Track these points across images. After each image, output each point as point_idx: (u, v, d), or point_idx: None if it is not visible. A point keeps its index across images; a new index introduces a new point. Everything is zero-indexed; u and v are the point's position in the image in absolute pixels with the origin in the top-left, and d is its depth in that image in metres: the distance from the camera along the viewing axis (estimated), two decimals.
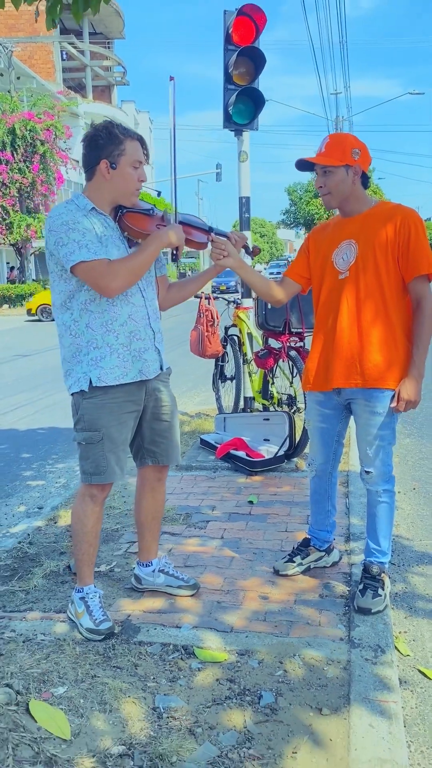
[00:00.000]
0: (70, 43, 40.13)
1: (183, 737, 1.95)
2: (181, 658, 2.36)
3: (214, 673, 2.28)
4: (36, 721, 1.96)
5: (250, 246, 2.89)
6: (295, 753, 1.90)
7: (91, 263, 2.28)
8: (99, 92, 46.43)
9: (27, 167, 25.84)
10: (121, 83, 49.28)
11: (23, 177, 25.70)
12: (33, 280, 29.43)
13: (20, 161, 25.69)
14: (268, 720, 2.04)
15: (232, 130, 5.16)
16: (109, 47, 45.56)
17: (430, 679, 2.41)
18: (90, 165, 2.40)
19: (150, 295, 2.56)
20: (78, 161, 29.59)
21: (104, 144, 2.37)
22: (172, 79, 2.41)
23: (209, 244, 2.64)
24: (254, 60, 4.93)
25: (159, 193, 2.83)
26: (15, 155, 25.47)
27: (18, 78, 29.95)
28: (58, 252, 2.32)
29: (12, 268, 31.65)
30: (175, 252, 2.47)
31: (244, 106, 5.01)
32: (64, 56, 41.55)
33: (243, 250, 2.78)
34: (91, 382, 2.42)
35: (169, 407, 2.66)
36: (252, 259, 2.91)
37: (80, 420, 2.49)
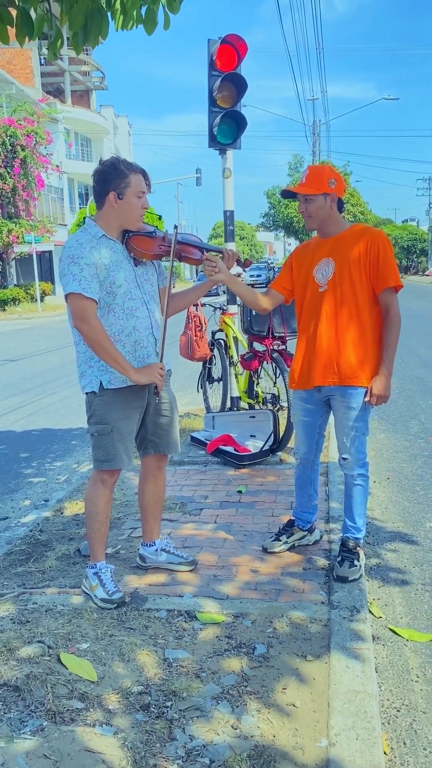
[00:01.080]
0: (48, 49, 40.27)
1: (191, 680, 2.32)
2: (185, 621, 2.73)
3: (213, 631, 2.65)
4: (67, 668, 2.32)
5: (242, 259, 3.26)
6: (285, 689, 2.28)
7: (78, 297, 2.67)
8: (77, 97, 46.63)
9: (8, 173, 26.03)
10: (100, 88, 49.53)
11: (4, 183, 25.90)
12: (14, 285, 29.59)
13: (1, 167, 25.88)
14: (262, 666, 2.42)
15: (216, 149, 5.55)
16: (87, 52, 45.76)
17: (399, 635, 2.81)
18: (100, 196, 2.78)
19: (153, 307, 2.94)
20: (59, 165, 29.55)
21: (111, 178, 2.75)
22: (176, 227, 2.87)
23: (203, 261, 3.01)
24: (236, 85, 5.32)
25: (160, 217, 3.21)
26: None
27: None
28: (61, 279, 2.74)
29: None
30: (155, 388, 2.85)
31: (228, 127, 5.40)
32: (43, 61, 41.72)
33: (235, 263, 3.17)
34: (102, 384, 2.80)
35: (169, 404, 3.04)
36: (244, 270, 3.30)
37: (93, 415, 2.87)
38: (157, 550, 3.20)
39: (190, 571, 3.17)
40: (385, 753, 2.10)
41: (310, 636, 2.62)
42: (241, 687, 2.29)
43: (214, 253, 3.00)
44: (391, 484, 4.72)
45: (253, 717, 2.13)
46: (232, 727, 2.08)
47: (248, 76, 5.41)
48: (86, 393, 2.87)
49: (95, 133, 42.64)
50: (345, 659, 2.43)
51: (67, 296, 2.71)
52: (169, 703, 2.18)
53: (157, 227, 2.95)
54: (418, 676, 2.54)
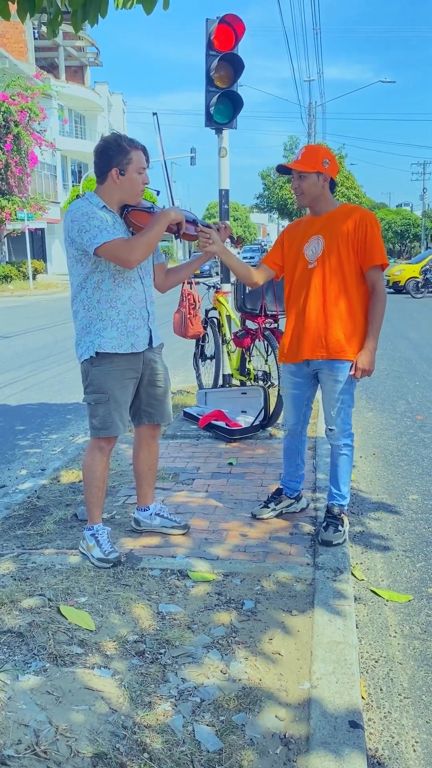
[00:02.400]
0: (42, 23, 39.69)
1: (183, 630, 2.48)
2: (178, 579, 2.89)
3: (205, 588, 2.81)
4: (66, 618, 2.47)
5: (235, 236, 3.37)
6: (271, 640, 2.44)
7: (112, 242, 2.77)
8: (72, 73, 46.06)
9: (0, 149, 25.81)
10: (95, 64, 48.91)
11: None
12: (7, 262, 29.48)
13: None
14: (250, 619, 2.58)
15: (213, 129, 5.63)
16: (83, 28, 45.20)
17: (379, 595, 2.98)
18: (102, 172, 2.88)
19: (148, 282, 3.06)
20: (53, 141, 29.28)
21: (114, 154, 2.85)
22: (155, 114, 2.92)
23: (198, 233, 3.12)
24: (233, 65, 5.40)
25: (158, 193, 3.31)
26: None
27: None
28: (81, 238, 2.79)
29: None
30: (177, 231, 2.95)
31: (224, 106, 5.49)
32: (37, 35, 41.17)
33: (228, 240, 3.27)
34: (95, 349, 2.92)
35: (162, 375, 3.17)
36: (236, 248, 3.41)
37: (90, 384, 3.00)
38: (151, 515, 3.35)
39: (183, 534, 3.32)
40: (362, 697, 2.27)
41: (296, 594, 2.78)
42: (230, 638, 2.45)
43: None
44: (377, 459, 4.88)
45: (241, 663, 2.29)
46: (221, 672, 2.24)
47: (244, 55, 5.48)
48: (82, 362, 2.99)
49: (89, 110, 42.27)
50: (328, 614, 2.59)
51: (98, 250, 2.76)
52: (162, 650, 2.34)
53: (154, 204, 3.05)
54: (396, 632, 2.71)
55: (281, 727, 2.00)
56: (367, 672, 2.46)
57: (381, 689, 2.36)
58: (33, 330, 13.64)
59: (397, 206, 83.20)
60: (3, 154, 25.79)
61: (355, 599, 2.90)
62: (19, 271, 28.25)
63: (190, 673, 2.23)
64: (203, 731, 1.95)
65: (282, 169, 3.15)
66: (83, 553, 3.10)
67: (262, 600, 2.72)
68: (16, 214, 26.42)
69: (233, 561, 3.04)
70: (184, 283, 5.69)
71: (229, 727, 1.97)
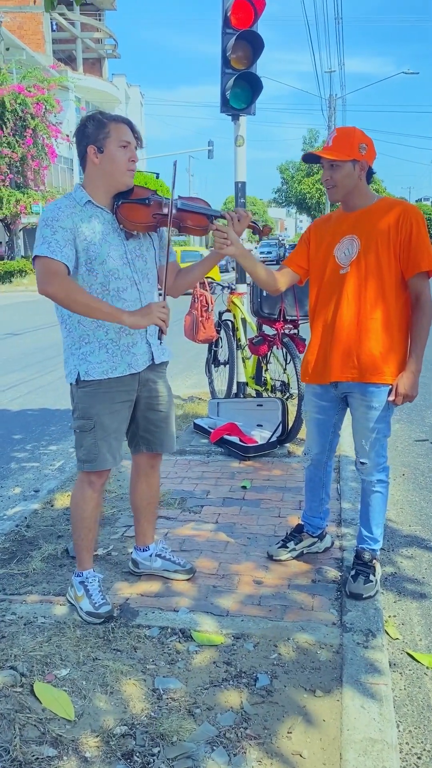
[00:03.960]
0: (60, 14, 39.38)
1: (182, 717, 2.03)
2: (179, 641, 2.44)
3: (211, 655, 2.35)
4: (41, 703, 2.03)
5: (260, 225, 2.83)
6: (290, 733, 1.99)
7: (43, 260, 2.30)
8: (89, 65, 45.66)
9: (17, 141, 25.46)
10: (112, 56, 48.47)
11: (13, 151, 25.33)
12: (21, 256, 29.16)
13: (9, 135, 25.30)
14: (264, 701, 2.12)
15: (229, 115, 5.15)
16: (100, 19, 44.77)
17: (417, 661, 2.51)
18: (82, 156, 2.43)
19: (146, 287, 2.57)
20: (69, 134, 29.08)
21: (90, 131, 2.40)
22: (175, 164, 2.44)
23: (213, 231, 2.62)
24: (252, 44, 4.90)
25: (157, 175, 2.83)
26: (4, 129, 25.06)
27: (7, 49, 29.43)
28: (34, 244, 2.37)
29: (0, 244, 31.33)
30: (160, 332, 2.47)
31: (242, 90, 4.99)
32: (54, 27, 40.79)
33: (250, 231, 2.76)
34: (79, 375, 2.47)
35: (163, 398, 2.71)
36: (262, 238, 2.86)
37: (76, 408, 2.56)
38: (151, 556, 2.90)
39: (187, 579, 2.87)
40: None
41: (320, 665, 2.31)
42: (239, 729, 2.00)
43: (224, 222, 2.60)
44: (407, 482, 4.39)
45: None
46: None
47: (265, 45, 4.96)
48: (70, 384, 2.54)
49: (107, 103, 41.81)
50: (359, 697, 2.12)
51: (34, 261, 2.34)
52: (156, 750, 1.89)
53: (155, 191, 2.55)
54: None
55: None
56: None
57: None
58: (44, 327, 13.23)
59: (417, 201, 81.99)
60: (19, 147, 25.45)
61: (390, 666, 2.43)
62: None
63: None
64: None
65: (310, 158, 2.65)
66: (71, 603, 2.66)
67: (279, 673, 2.26)
68: (31, 208, 26.08)
69: (245, 618, 2.58)
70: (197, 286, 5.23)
71: None
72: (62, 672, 2.21)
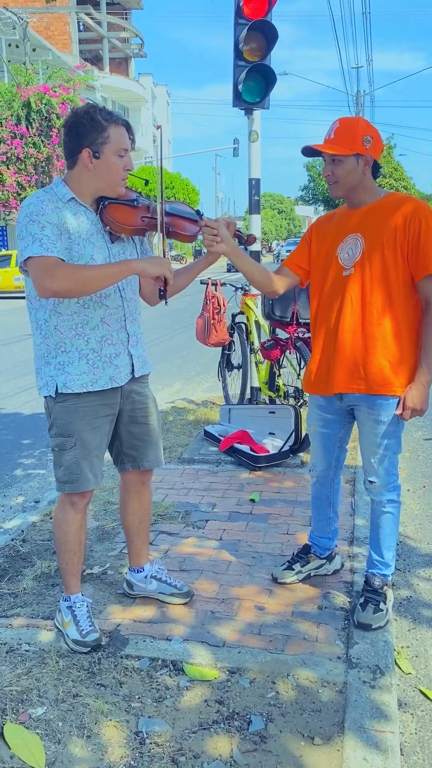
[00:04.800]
0: (86, 14, 39.49)
1: (165, 767, 1.84)
2: (169, 675, 2.25)
3: (202, 692, 2.16)
4: (9, 748, 1.86)
5: (244, 234, 2.66)
6: None
7: (38, 259, 2.11)
8: (116, 64, 45.73)
9: (42, 142, 25.52)
10: (139, 55, 48.48)
11: (38, 152, 25.39)
12: None
13: (35, 135, 25.37)
14: (257, 749, 1.93)
15: (241, 109, 4.94)
16: (126, 18, 44.82)
17: (431, 700, 2.29)
18: (71, 153, 2.24)
19: (129, 294, 2.40)
20: None
21: (86, 132, 2.20)
22: (159, 127, 2.25)
23: (199, 234, 2.44)
24: (266, 35, 4.69)
25: (147, 182, 2.65)
26: (30, 130, 25.14)
27: (34, 50, 29.55)
28: (18, 245, 2.18)
29: None
30: (162, 290, 2.27)
31: (255, 83, 4.79)
32: (81, 27, 40.92)
33: (236, 241, 2.58)
34: (57, 388, 2.29)
35: (147, 409, 2.52)
36: (246, 249, 2.65)
37: (53, 425, 2.37)
38: (146, 577, 2.72)
39: (184, 604, 2.68)
40: None
41: (321, 706, 2.11)
42: None
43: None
44: (428, 494, 4.15)
45: None
46: None
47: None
48: (44, 397, 2.37)
49: (133, 102, 41.86)
50: (362, 747, 1.91)
51: (26, 262, 2.15)
52: None
53: (141, 193, 2.37)
54: None
55: None
56: None
57: None
58: None
59: None
60: (45, 147, 25.50)
61: (399, 705, 2.22)
62: None
63: None
64: None
65: (309, 152, 2.42)
66: (58, 629, 2.49)
67: (275, 716, 2.06)
68: None
69: (243, 650, 2.38)
70: (208, 284, 5.04)
71: None
72: (38, 711, 2.03)
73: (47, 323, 2.27)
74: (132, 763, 1.86)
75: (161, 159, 2.29)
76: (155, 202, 2.32)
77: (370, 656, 2.34)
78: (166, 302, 2.33)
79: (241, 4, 4.65)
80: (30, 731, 1.93)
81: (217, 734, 1.98)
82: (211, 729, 2.01)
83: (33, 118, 25.28)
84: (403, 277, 2.32)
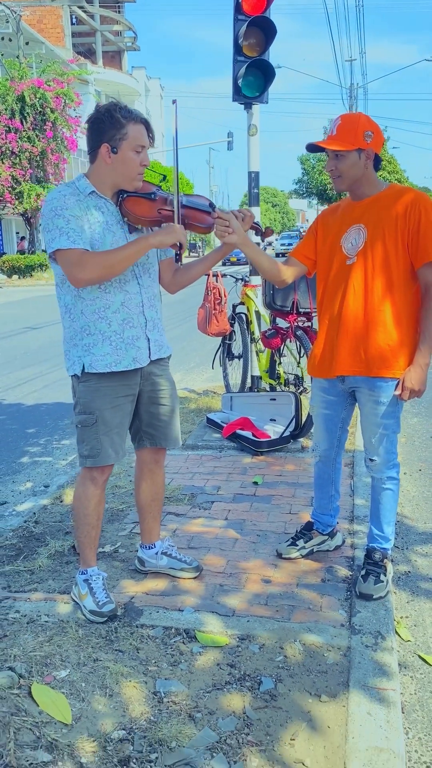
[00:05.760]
0: (79, 7, 39.38)
1: (183, 722, 1.98)
2: (183, 642, 2.38)
3: (215, 657, 2.30)
4: (38, 705, 1.99)
5: (262, 226, 2.78)
6: (293, 740, 1.92)
7: (66, 251, 2.27)
8: (109, 58, 45.64)
9: (36, 136, 25.50)
10: (132, 49, 48.41)
11: (33, 146, 25.38)
12: (42, 250, 29.25)
13: (29, 129, 25.35)
14: (267, 706, 2.06)
15: (241, 103, 5.06)
16: (119, 11, 44.70)
17: (430, 665, 2.43)
18: (92, 148, 2.37)
19: (146, 281, 2.53)
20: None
21: (106, 128, 2.32)
22: (174, 102, 2.36)
23: (215, 219, 2.56)
24: (265, 30, 4.80)
25: (164, 177, 2.76)
26: (24, 124, 25.11)
27: (27, 43, 29.48)
28: (44, 237, 2.32)
29: (22, 239, 31.49)
30: (178, 253, 2.42)
31: (254, 78, 4.90)
32: (74, 20, 40.80)
33: (253, 232, 2.70)
34: (84, 367, 2.42)
35: (166, 391, 2.66)
36: (263, 240, 2.79)
37: (78, 403, 2.52)
38: (157, 554, 2.85)
39: (194, 578, 2.81)
40: None
41: (327, 668, 2.24)
42: (241, 735, 1.93)
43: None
44: (424, 476, 4.29)
45: None
46: None
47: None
48: (71, 376, 2.51)
49: (126, 96, 41.78)
50: (366, 703, 2.05)
51: (54, 255, 2.30)
52: (153, 756, 1.84)
53: (159, 186, 2.50)
54: None
55: None
56: None
57: None
58: None
59: None
60: (39, 141, 25.48)
61: (400, 668, 2.36)
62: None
63: None
64: None
65: (314, 148, 2.54)
66: (75, 601, 2.62)
67: (284, 677, 2.19)
68: None
69: (251, 618, 2.51)
70: (209, 275, 5.16)
71: None
72: (62, 673, 2.16)
73: (74, 307, 2.41)
74: (152, 718, 1.99)
75: (176, 138, 2.39)
76: (172, 195, 2.43)
77: (371, 623, 2.47)
78: (180, 264, 2.49)
79: (240, 1, 4.75)
80: (55, 691, 2.06)
81: (230, 693, 2.12)
82: (224, 689, 2.14)
83: (27, 113, 25.26)
84: (403, 265, 2.44)
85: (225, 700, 2.09)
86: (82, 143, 31.05)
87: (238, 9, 4.78)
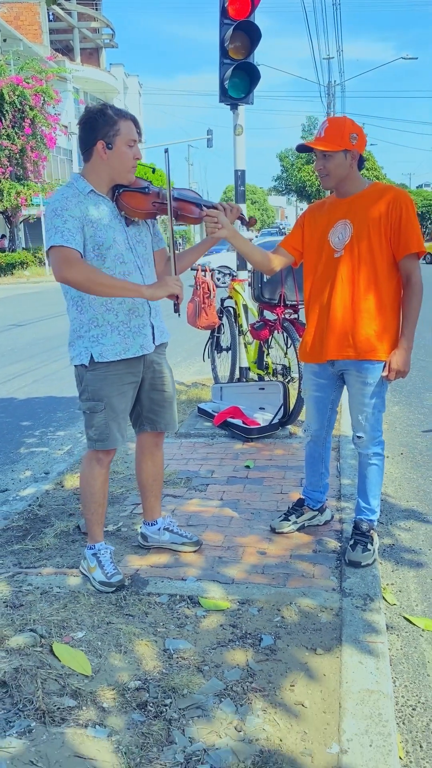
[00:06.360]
0: (57, 4, 39.21)
1: (192, 674, 2.17)
2: (188, 607, 2.58)
3: (217, 619, 2.50)
4: (60, 661, 2.17)
5: (246, 217, 2.99)
6: (293, 686, 2.13)
7: (59, 248, 2.42)
8: (87, 55, 45.47)
9: (16, 133, 25.45)
10: (110, 46, 48.26)
11: (12, 143, 25.33)
12: (23, 248, 29.22)
13: (8, 127, 25.29)
14: (268, 659, 2.27)
15: (227, 104, 5.24)
16: (96, 8, 44.54)
17: (414, 624, 2.65)
18: (87, 146, 2.54)
19: (147, 271, 2.71)
20: (66, 126, 28.91)
21: (99, 126, 2.50)
22: (166, 151, 2.55)
23: (204, 217, 2.76)
24: (249, 34, 4.98)
25: (154, 170, 2.96)
26: (3, 121, 25.05)
27: (4, 40, 29.36)
28: (44, 235, 2.49)
29: (2, 237, 31.37)
30: (175, 304, 2.58)
31: (240, 80, 5.08)
32: (51, 17, 40.61)
33: (239, 222, 2.90)
34: (92, 357, 2.60)
35: (167, 378, 2.85)
36: (248, 230, 3.02)
37: (84, 391, 2.68)
38: (159, 529, 3.04)
39: (194, 551, 3.01)
40: (400, 758, 1.94)
41: (321, 626, 2.45)
42: (245, 683, 2.14)
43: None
44: (405, 460, 4.53)
45: (258, 717, 1.98)
46: (235, 728, 1.93)
47: (263, 34, 5.04)
48: (76, 366, 2.67)
49: (105, 93, 41.71)
50: (358, 654, 2.27)
51: (49, 251, 2.47)
52: (168, 701, 2.03)
53: (151, 181, 2.70)
54: None
55: None
56: (403, 723, 2.13)
57: (421, 746, 2.04)
58: (48, 317, 13.36)
59: (417, 187, 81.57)
60: (19, 139, 25.43)
61: (387, 628, 2.57)
62: (35, 257, 27.99)
63: (200, 730, 1.92)
64: None
65: (303, 148, 2.76)
66: (84, 574, 2.80)
67: (282, 634, 2.40)
68: (31, 200, 26.11)
69: (250, 585, 2.72)
70: (198, 270, 5.35)
71: None
72: (78, 634, 2.35)
73: (82, 300, 2.57)
74: (164, 671, 2.18)
75: (167, 154, 2.58)
76: (164, 189, 2.63)
77: (360, 587, 2.69)
78: (179, 315, 2.69)
79: (225, 5, 4.93)
80: (75, 648, 2.25)
81: (233, 649, 2.32)
82: (228, 646, 2.34)
83: (6, 110, 25.19)
84: (386, 257, 2.66)
85: (229, 655, 2.29)
86: (62, 141, 31.06)
87: (223, 13, 4.96)
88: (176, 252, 2.75)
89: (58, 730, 1.86)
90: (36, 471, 4.45)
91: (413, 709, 2.19)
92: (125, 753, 1.81)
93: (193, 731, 1.91)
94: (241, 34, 4.99)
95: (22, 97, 25.12)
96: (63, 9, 40.19)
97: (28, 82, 25.47)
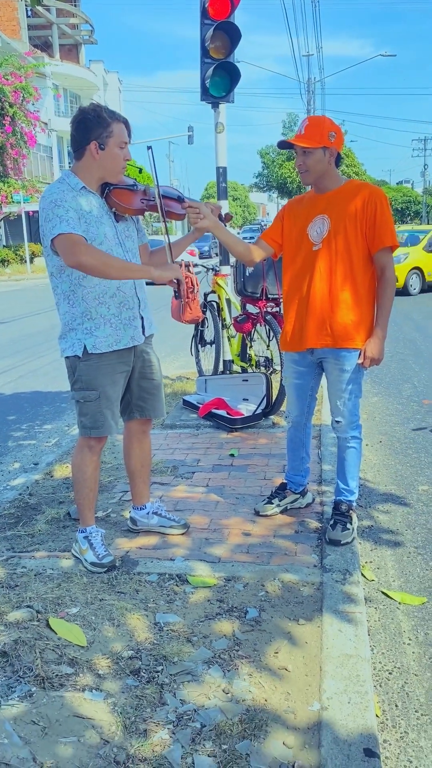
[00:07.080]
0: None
1: (182, 644, 2.30)
2: (176, 584, 2.71)
3: (205, 595, 2.63)
4: (56, 633, 2.29)
5: (223, 213, 3.14)
6: (277, 653, 2.26)
7: (67, 235, 2.52)
8: (66, 51, 45.24)
9: None
10: (89, 42, 48.05)
11: None
12: (4, 246, 29.10)
13: None
14: (253, 630, 2.40)
15: (209, 103, 5.37)
16: (75, 4, 44.34)
17: (391, 598, 2.80)
18: (79, 146, 2.65)
19: None
20: (46, 124, 28.72)
21: (93, 126, 2.61)
22: (149, 148, 2.68)
23: (186, 209, 2.89)
24: (230, 34, 5.12)
25: (141, 170, 3.08)
26: None
27: None
28: (44, 227, 2.58)
29: None
30: (176, 290, 2.76)
31: (221, 79, 5.21)
32: (29, 13, 40.36)
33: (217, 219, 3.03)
34: (86, 349, 2.70)
35: (155, 367, 2.97)
36: (225, 225, 3.16)
37: (78, 380, 2.78)
38: (148, 513, 3.17)
39: (182, 534, 3.14)
40: (376, 715, 2.09)
41: (303, 599, 2.59)
42: (232, 651, 2.27)
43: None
44: (384, 447, 4.69)
45: (244, 681, 2.11)
46: (223, 691, 2.07)
47: (242, 30, 5.17)
48: (67, 357, 2.78)
49: (84, 90, 41.58)
50: (337, 623, 2.41)
51: (54, 240, 2.54)
52: (159, 668, 2.16)
53: (136, 180, 2.83)
54: (410, 639, 2.53)
55: (289, 756, 1.82)
56: (380, 685, 2.28)
57: (396, 705, 2.19)
58: (30, 315, 13.40)
59: (397, 183, 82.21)
60: None
61: (366, 602, 2.72)
62: (16, 254, 27.91)
63: (190, 693, 2.05)
64: (204, 763, 1.78)
65: (284, 145, 2.89)
66: (76, 557, 2.92)
67: (266, 607, 2.54)
68: (12, 197, 26.01)
69: (235, 563, 2.85)
70: (181, 265, 5.46)
71: (233, 758, 1.79)
72: (73, 610, 2.47)
73: (74, 294, 2.68)
74: (155, 642, 2.31)
75: (157, 181, 2.72)
76: (150, 186, 2.76)
77: (340, 563, 2.83)
78: (181, 301, 2.83)
79: (206, 6, 5.06)
80: (70, 623, 2.37)
81: (220, 622, 2.45)
82: (215, 618, 2.47)
83: None
84: (362, 251, 2.81)
85: (217, 626, 2.42)
86: (41, 138, 30.90)
87: (204, 14, 5.08)
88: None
89: (57, 693, 1.99)
90: (25, 462, 4.55)
91: (390, 673, 2.34)
92: (121, 713, 1.93)
93: (184, 694, 2.04)
94: (221, 34, 5.12)
95: (1, 93, 24.99)
96: (41, 5, 39.95)
97: (7, 79, 25.35)
